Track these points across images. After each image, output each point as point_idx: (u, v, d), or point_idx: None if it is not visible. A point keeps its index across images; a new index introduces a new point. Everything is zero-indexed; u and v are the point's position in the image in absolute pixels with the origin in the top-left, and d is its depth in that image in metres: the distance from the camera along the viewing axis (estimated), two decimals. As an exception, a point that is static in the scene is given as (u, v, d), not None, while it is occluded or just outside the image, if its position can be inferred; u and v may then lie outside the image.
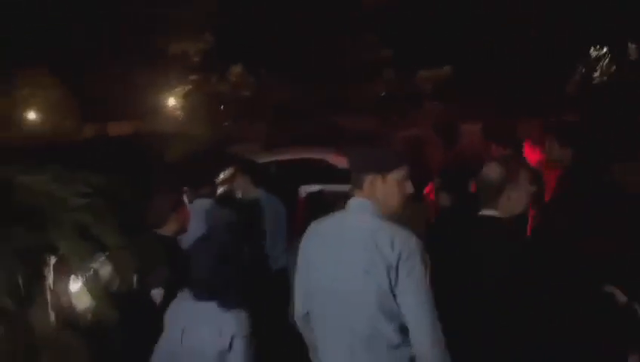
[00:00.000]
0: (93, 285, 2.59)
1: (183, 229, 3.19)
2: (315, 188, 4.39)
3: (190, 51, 16.71)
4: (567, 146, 3.53)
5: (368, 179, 2.15)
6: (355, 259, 2.02)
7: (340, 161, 6.90)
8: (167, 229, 3.14)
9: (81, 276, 2.59)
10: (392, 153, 2.25)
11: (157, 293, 2.82)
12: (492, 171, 2.48)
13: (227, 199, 4.38)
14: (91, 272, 2.62)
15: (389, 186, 2.14)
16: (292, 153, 8.12)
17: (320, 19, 19.08)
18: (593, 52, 19.20)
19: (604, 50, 19.01)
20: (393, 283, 1.94)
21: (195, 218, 3.38)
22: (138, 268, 2.74)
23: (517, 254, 2.35)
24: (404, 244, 1.97)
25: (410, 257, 1.95)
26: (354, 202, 2.18)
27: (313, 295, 2.18)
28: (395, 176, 2.16)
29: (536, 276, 2.25)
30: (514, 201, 2.47)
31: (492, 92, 17.18)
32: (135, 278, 2.78)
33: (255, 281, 3.11)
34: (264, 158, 7.90)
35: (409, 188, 2.19)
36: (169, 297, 2.67)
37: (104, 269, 2.77)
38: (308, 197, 3.95)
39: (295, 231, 3.82)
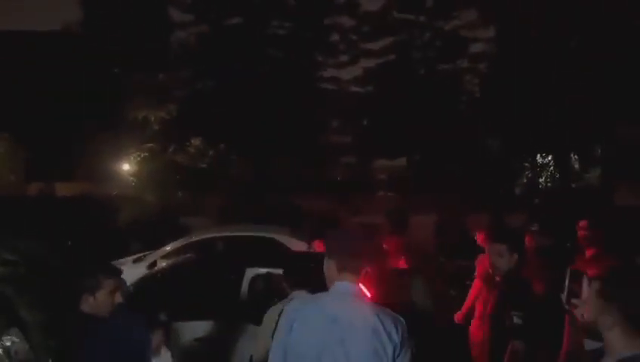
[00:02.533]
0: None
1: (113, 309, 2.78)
2: (262, 271, 4.24)
3: (151, 119, 16.68)
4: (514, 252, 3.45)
5: (365, 269, 2.22)
6: (364, 341, 2.07)
7: (294, 243, 6.73)
8: (85, 307, 2.71)
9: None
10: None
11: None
12: None
13: None
14: (2, 349, 2.31)
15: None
16: (243, 229, 7.92)
17: (284, 101, 19.63)
18: (539, 159, 20.37)
19: (549, 158, 20.20)
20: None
21: None
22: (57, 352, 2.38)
23: None
24: (404, 329, 2.13)
25: (406, 340, 2.12)
26: (349, 286, 2.18)
27: None
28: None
29: None
30: None
31: (444, 188, 17.75)
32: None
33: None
34: (212, 233, 7.66)
35: None
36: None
37: (20, 347, 2.46)
38: (252, 281, 3.77)
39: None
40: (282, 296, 3.39)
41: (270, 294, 3.52)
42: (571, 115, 16.10)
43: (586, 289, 2.06)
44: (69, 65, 18.43)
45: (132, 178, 15.95)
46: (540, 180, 20.61)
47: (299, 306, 2.21)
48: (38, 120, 17.81)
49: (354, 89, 23.85)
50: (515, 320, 3.25)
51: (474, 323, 4.44)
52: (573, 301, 2.13)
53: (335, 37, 23.07)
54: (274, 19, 21.64)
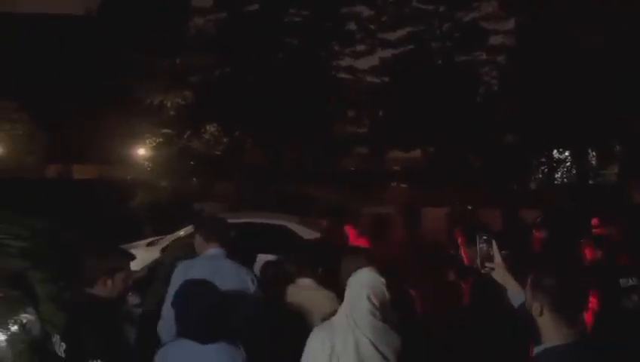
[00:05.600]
0: (19, 339, 2.34)
1: (122, 293, 2.66)
2: (273, 258, 4.27)
3: (167, 104, 16.77)
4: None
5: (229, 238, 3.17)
6: (234, 283, 2.91)
7: (306, 232, 6.77)
8: (102, 290, 2.49)
9: (5, 328, 2.31)
10: None
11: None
12: None
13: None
14: (18, 325, 2.36)
15: None
16: (256, 216, 7.96)
17: (300, 89, 19.58)
18: (556, 154, 20.10)
19: (566, 153, 19.93)
20: None
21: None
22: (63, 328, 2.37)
23: None
24: (254, 275, 3.07)
25: (256, 283, 3.05)
26: (218, 251, 3.03)
27: None
28: None
29: None
30: None
31: (457, 181, 17.62)
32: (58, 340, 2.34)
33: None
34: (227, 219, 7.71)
35: None
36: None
37: (34, 323, 2.51)
38: (263, 268, 3.82)
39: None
40: (291, 282, 3.44)
41: (280, 281, 3.58)
42: (590, 110, 15.85)
43: (497, 252, 2.21)
44: (88, 49, 18.59)
45: (147, 162, 16.10)
46: (556, 176, 20.39)
47: (186, 268, 2.95)
48: (57, 103, 18.03)
49: (370, 79, 23.72)
50: None
51: None
52: (488, 264, 2.20)
53: (352, 26, 22.92)
54: (291, 7, 21.55)
